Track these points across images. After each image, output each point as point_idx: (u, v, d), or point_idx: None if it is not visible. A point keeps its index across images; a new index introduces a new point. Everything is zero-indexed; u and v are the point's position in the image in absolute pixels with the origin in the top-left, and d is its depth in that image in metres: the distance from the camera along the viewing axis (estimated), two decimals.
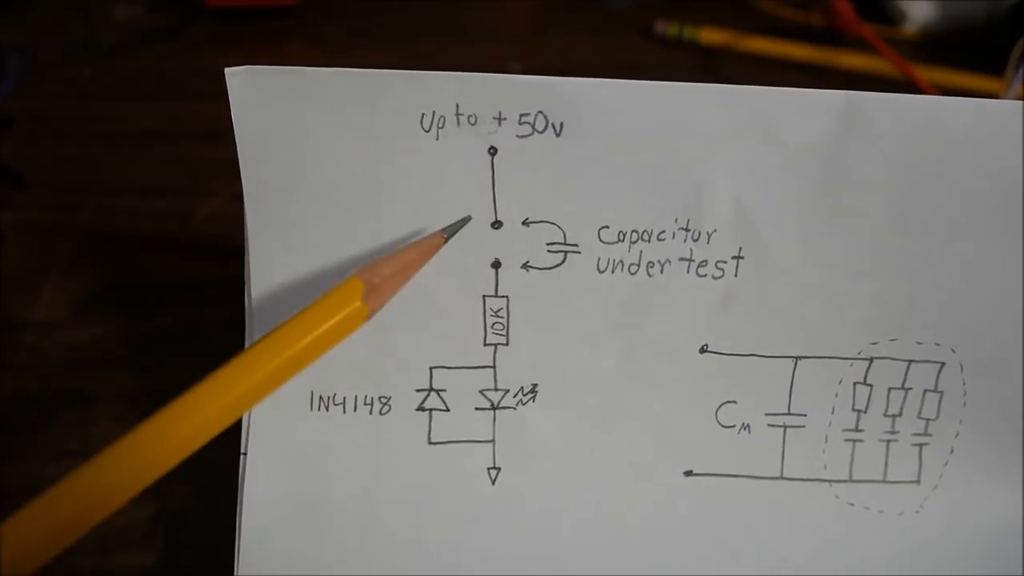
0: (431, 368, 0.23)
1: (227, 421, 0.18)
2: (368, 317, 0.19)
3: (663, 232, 0.22)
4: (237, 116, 0.21)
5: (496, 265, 0.22)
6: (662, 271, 0.23)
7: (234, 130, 0.21)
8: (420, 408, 0.23)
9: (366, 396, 0.23)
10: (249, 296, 0.22)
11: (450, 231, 0.22)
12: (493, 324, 0.23)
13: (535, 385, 0.23)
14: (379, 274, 0.20)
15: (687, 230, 0.22)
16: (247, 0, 0.46)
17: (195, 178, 0.37)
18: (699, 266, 0.23)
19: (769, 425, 0.24)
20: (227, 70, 0.20)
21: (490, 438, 0.24)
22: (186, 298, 0.32)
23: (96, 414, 0.28)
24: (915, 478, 0.24)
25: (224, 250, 0.33)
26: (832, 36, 0.45)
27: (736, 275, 0.23)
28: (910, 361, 0.24)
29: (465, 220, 0.22)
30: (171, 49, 0.44)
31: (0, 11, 0.45)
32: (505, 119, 0.21)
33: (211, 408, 0.17)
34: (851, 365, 0.24)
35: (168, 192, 0.36)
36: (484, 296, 0.22)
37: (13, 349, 0.30)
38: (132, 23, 0.46)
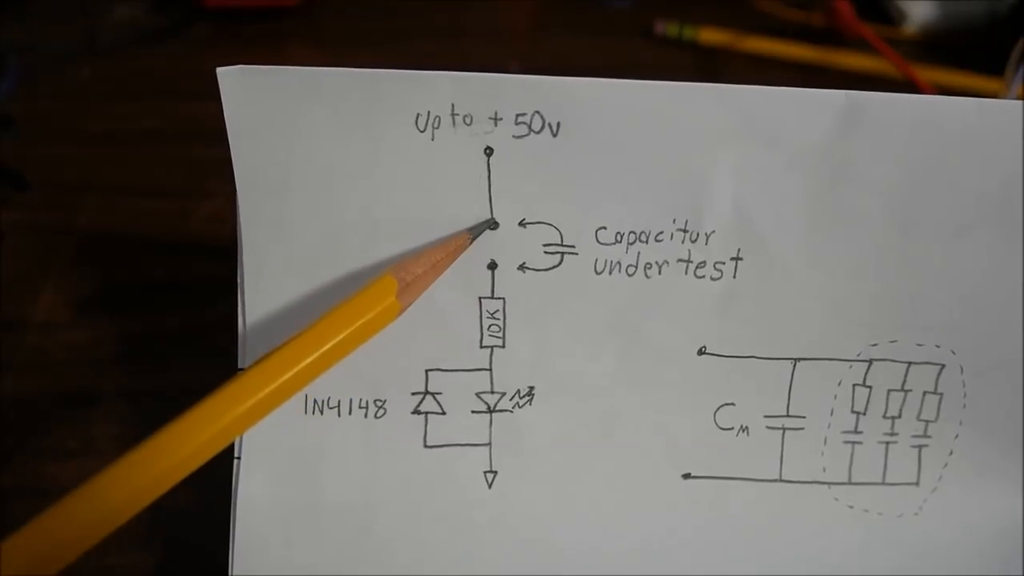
0: (427, 371, 0.23)
1: (272, 407, 0.19)
2: (399, 313, 0.20)
3: (661, 233, 0.22)
4: (230, 116, 0.21)
5: (492, 266, 0.22)
6: (660, 272, 0.22)
7: (227, 130, 0.21)
8: (416, 411, 0.23)
9: (361, 399, 0.23)
10: (242, 296, 0.22)
11: (475, 232, 0.22)
12: (489, 326, 0.23)
13: (532, 388, 0.23)
14: (411, 272, 0.21)
15: (685, 231, 0.22)
16: (247, 0, 0.46)
17: (195, 178, 0.37)
18: (697, 267, 0.22)
19: (768, 427, 0.24)
20: (219, 70, 0.20)
21: (486, 441, 0.23)
22: (186, 298, 0.32)
23: (96, 414, 0.29)
24: (914, 480, 0.24)
25: (224, 250, 0.32)
26: (832, 36, 0.45)
27: (735, 276, 0.23)
28: (910, 363, 0.23)
29: (489, 222, 0.22)
30: (171, 49, 0.44)
31: None
32: (501, 119, 0.21)
33: (256, 394, 0.18)
34: (850, 367, 0.23)
35: (168, 192, 0.36)
36: (480, 298, 0.22)
37: (13, 349, 0.30)
38: (132, 23, 0.46)
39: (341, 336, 0.19)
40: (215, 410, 0.18)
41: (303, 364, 0.19)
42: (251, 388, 0.18)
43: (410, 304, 0.21)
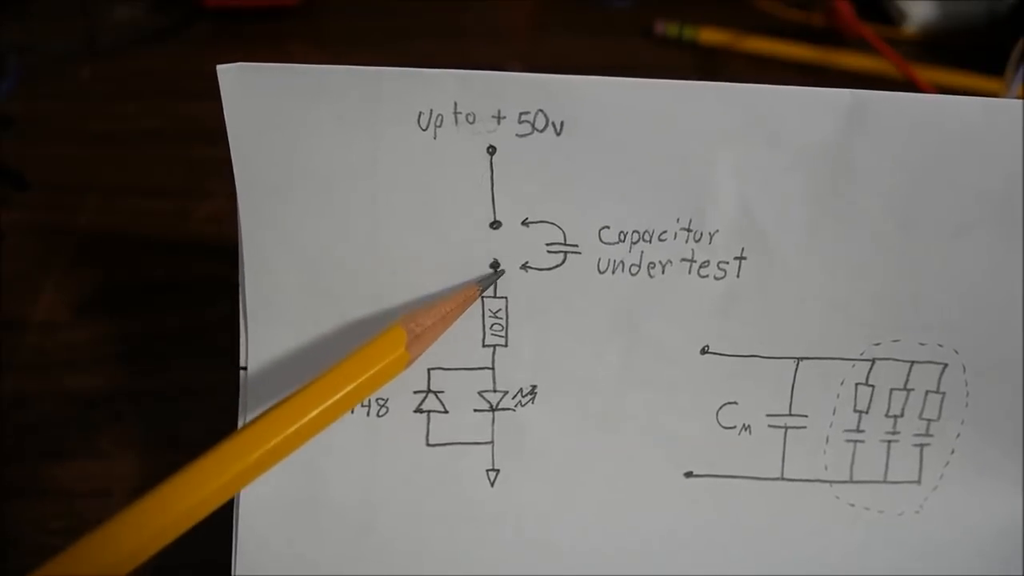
0: (429, 369, 0.23)
1: (278, 459, 0.18)
2: (408, 365, 0.20)
3: (664, 232, 0.22)
4: (229, 113, 0.20)
5: (495, 265, 0.22)
6: (663, 272, 0.22)
7: (226, 128, 0.20)
8: (418, 410, 0.23)
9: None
10: (243, 296, 0.22)
11: (485, 283, 0.22)
12: (492, 325, 0.23)
13: (534, 386, 0.23)
14: (421, 324, 0.20)
15: (689, 230, 0.22)
16: (247, 0, 0.46)
17: (195, 178, 0.37)
18: (701, 267, 0.22)
19: (770, 426, 0.24)
20: (219, 67, 0.20)
21: (489, 440, 0.23)
22: (186, 298, 0.32)
23: (96, 414, 0.28)
24: (916, 478, 0.24)
25: (224, 250, 0.32)
26: (832, 36, 0.45)
27: (738, 276, 0.23)
28: (912, 362, 0.23)
29: (499, 272, 0.22)
30: (171, 49, 0.44)
31: None
32: (504, 118, 0.21)
33: (263, 447, 0.18)
34: (853, 366, 0.23)
35: (168, 192, 0.36)
36: (483, 297, 0.22)
37: (13, 349, 0.30)
38: (132, 23, 0.46)
39: (349, 388, 0.19)
40: (219, 464, 0.17)
41: (310, 416, 0.18)
42: (258, 441, 0.18)
43: (419, 356, 0.21)
